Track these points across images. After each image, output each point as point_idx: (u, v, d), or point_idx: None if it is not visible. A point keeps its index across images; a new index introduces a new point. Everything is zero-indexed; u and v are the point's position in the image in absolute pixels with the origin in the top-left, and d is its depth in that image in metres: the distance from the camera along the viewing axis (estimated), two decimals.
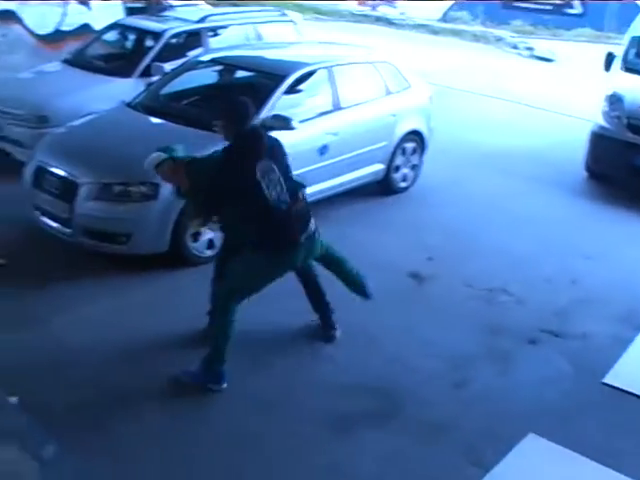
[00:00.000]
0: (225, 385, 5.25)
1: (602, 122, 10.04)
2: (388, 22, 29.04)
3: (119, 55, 10.94)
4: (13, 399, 4.84)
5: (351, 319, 6.18)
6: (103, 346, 5.70)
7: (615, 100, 9.96)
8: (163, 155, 5.18)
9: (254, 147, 5.05)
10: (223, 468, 4.59)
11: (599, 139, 10.04)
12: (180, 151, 5.26)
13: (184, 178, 5.17)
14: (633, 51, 10.69)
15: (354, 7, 33.09)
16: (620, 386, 5.62)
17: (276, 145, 5.26)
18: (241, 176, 4.94)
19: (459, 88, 16.12)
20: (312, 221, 5.31)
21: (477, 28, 28.47)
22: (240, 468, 4.60)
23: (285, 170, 5.18)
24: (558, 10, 32.44)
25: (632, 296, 7.06)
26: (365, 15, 30.75)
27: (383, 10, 33.21)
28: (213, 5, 15.63)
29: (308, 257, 5.45)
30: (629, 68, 10.48)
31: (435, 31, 27.56)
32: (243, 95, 7.64)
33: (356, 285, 5.93)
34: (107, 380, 5.27)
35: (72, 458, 4.41)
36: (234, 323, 5.18)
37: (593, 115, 10.42)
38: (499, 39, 25.67)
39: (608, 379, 5.70)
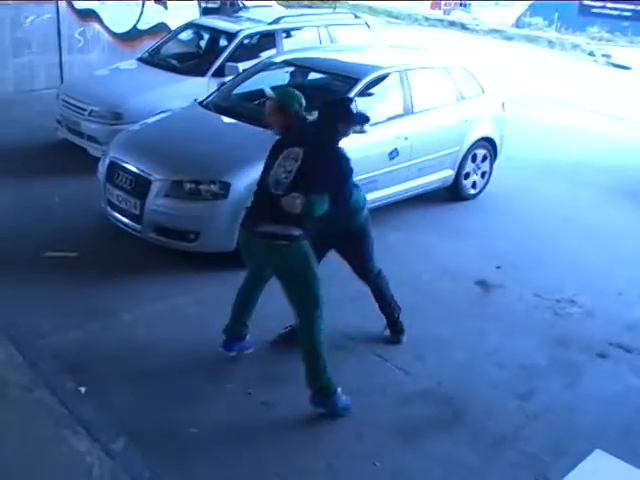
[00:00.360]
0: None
1: None
2: (461, 27, 28.84)
3: (193, 54, 11.09)
4: (82, 389, 4.92)
5: (419, 326, 6.15)
6: (171, 342, 5.75)
7: None
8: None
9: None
10: (289, 467, 4.59)
11: None
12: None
13: None
14: None
15: (427, 11, 32.95)
16: None
17: (323, 150, 4.89)
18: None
19: (533, 95, 15.91)
20: (293, 232, 4.79)
21: (552, 34, 28.08)
22: (304, 466, 4.60)
23: (315, 174, 4.76)
24: (637, 16, 31.72)
25: None
26: (439, 19, 30.56)
27: (456, 15, 33.01)
28: (285, 7, 15.74)
29: (266, 263, 5.13)
30: None
31: (509, 37, 27.26)
32: (316, 97, 7.76)
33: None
34: (174, 377, 5.32)
35: (140, 452, 4.47)
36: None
37: None
38: (575, 46, 25.27)
39: None
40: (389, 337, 6.01)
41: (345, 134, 5.01)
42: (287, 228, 4.76)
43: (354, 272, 5.87)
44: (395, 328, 6.02)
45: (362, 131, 7.35)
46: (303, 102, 5.10)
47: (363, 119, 5.21)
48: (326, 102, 5.19)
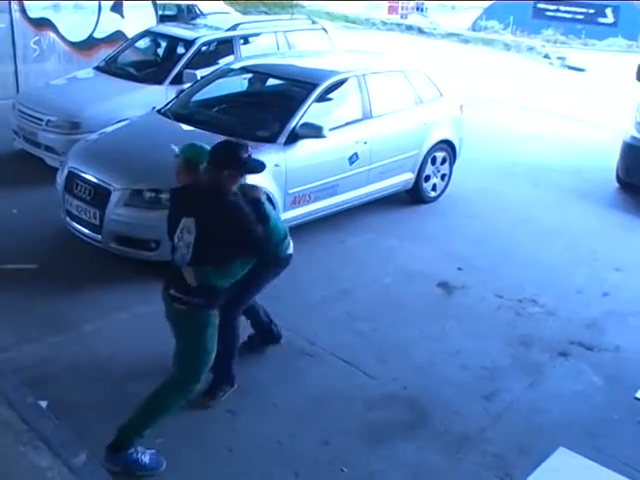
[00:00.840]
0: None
1: (634, 133, 9.96)
2: (419, 31, 29.13)
3: (151, 62, 11.04)
4: (43, 403, 4.86)
5: (382, 330, 6.17)
6: (135, 353, 5.70)
7: None
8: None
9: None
10: (255, 476, 4.57)
11: (631, 150, 9.97)
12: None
13: None
14: None
15: (385, 16, 33.18)
16: None
17: (215, 211, 4.39)
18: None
19: (490, 97, 16.08)
20: (192, 299, 4.47)
21: (508, 37, 28.44)
22: (270, 474, 4.58)
23: (216, 239, 4.38)
24: (590, 19, 32.29)
25: None
26: (396, 24, 30.78)
27: (414, 19, 33.28)
28: (243, 13, 15.75)
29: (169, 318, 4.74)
30: None
31: (466, 40, 27.58)
32: (274, 103, 7.76)
33: None
34: (138, 387, 5.25)
35: (102, 466, 4.41)
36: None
37: (625, 125, 10.33)
38: (530, 48, 25.65)
39: None
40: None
41: (234, 183, 4.48)
42: (189, 294, 4.44)
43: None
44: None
45: (321, 136, 7.43)
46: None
47: (257, 167, 4.63)
48: (215, 147, 4.55)
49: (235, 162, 4.45)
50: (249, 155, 4.53)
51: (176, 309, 4.53)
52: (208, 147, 4.65)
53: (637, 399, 5.56)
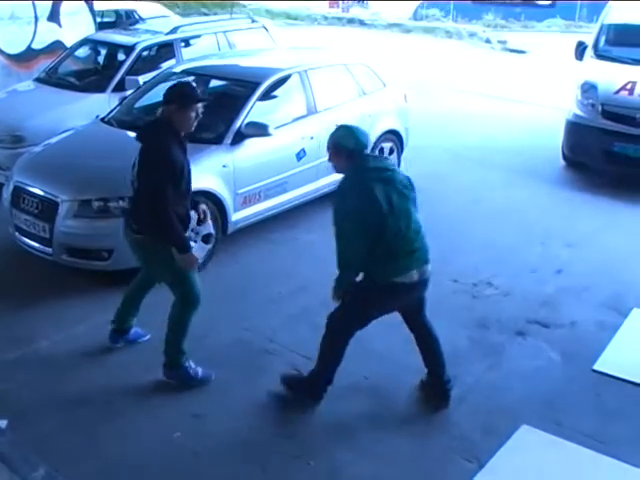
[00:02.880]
0: None
1: (577, 110, 10.12)
2: (360, 23, 29.20)
3: (92, 71, 10.91)
4: (2, 422, 4.79)
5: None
6: (94, 364, 5.65)
7: (588, 88, 10.04)
8: None
9: None
10: (222, 476, 4.57)
11: (574, 127, 10.13)
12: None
13: None
14: (603, 38, 10.76)
15: (325, 10, 33.19)
16: (610, 372, 5.65)
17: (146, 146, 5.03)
18: None
19: (434, 85, 16.18)
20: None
21: (449, 24, 28.67)
22: (237, 473, 4.58)
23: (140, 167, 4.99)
24: (528, 2, 32.63)
25: (616, 282, 7.10)
26: (337, 17, 30.83)
27: (355, 12, 33.32)
28: (183, 15, 15.65)
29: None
30: (600, 55, 10.57)
31: (408, 29, 27.73)
32: (218, 104, 7.73)
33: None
34: (99, 399, 5.23)
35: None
36: None
37: (568, 104, 10.48)
38: (472, 34, 25.88)
39: (598, 366, 5.72)
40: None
41: (183, 117, 4.97)
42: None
43: None
44: None
45: (267, 134, 7.42)
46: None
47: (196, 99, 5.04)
48: (169, 89, 5.16)
49: (178, 95, 5.00)
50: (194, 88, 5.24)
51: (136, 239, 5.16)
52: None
53: (594, 371, 5.67)
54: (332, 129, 5.11)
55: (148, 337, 5.87)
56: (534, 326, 6.32)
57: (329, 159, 5.07)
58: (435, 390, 5.31)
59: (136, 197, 5.08)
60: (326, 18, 30.62)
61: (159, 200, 4.83)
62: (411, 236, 5.00)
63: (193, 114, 4.98)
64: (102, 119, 8.18)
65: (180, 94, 5.01)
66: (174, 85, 5.30)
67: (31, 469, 4.00)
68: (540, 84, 16.66)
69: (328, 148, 5.03)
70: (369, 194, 4.70)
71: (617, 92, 9.75)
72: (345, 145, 4.88)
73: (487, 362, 5.79)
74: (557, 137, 10.65)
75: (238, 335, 6.00)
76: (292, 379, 5.34)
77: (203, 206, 5.60)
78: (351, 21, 29.76)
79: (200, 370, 5.39)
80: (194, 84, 5.20)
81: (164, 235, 4.96)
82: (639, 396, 5.40)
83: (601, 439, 4.87)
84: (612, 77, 9.99)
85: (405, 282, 5.01)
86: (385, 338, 6.04)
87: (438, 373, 5.29)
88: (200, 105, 5.04)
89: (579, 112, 10.05)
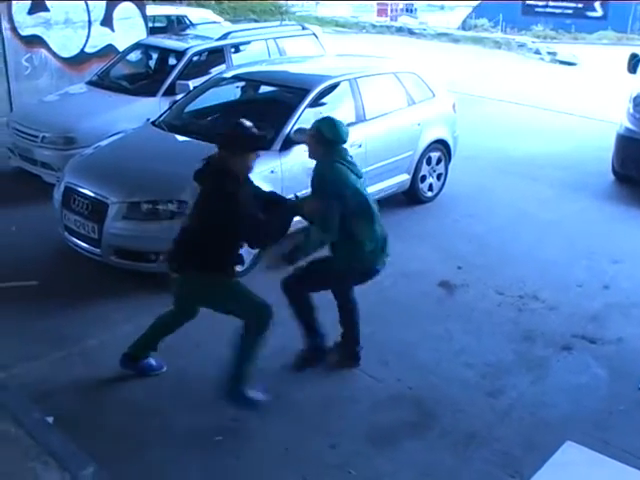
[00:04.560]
0: None
1: (628, 124, 9.99)
2: (409, 32, 29.14)
3: (143, 75, 11.06)
4: (49, 418, 4.86)
5: (383, 332, 6.18)
6: None
7: None
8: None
9: None
10: None
11: (625, 141, 9.99)
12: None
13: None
14: None
15: (374, 19, 33.24)
16: None
17: (216, 188, 4.89)
18: None
19: (483, 95, 16.10)
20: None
21: (498, 35, 28.50)
22: None
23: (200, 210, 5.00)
24: (579, 13, 32.39)
25: None
26: (386, 26, 30.83)
27: (403, 20, 33.33)
28: (233, 22, 15.76)
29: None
30: None
31: (456, 39, 27.60)
32: (268, 110, 7.76)
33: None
34: (144, 401, 5.28)
35: (110, 478, 4.42)
36: None
37: (619, 117, 10.36)
38: (521, 45, 25.68)
39: None
40: (338, 359, 5.81)
41: (247, 164, 5.00)
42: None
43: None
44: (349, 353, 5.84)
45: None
46: None
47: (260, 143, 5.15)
48: (223, 133, 5.13)
49: (242, 146, 4.90)
50: (250, 129, 4.96)
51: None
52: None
53: None
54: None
55: (164, 369, 5.60)
56: (580, 341, 6.24)
57: (307, 142, 5.43)
58: (347, 350, 5.75)
59: (192, 235, 5.00)
60: (374, 26, 30.64)
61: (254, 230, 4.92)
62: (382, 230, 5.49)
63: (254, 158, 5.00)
64: (152, 122, 8.27)
65: (242, 140, 4.92)
66: (237, 131, 5.00)
67: (81, 466, 4.06)
68: (590, 96, 16.48)
69: (310, 133, 5.39)
70: (347, 177, 5.30)
71: None
72: (325, 134, 5.25)
73: (532, 376, 5.73)
74: (607, 150, 10.52)
75: (282, 342, 5.90)
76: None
77: None
78: (400, 30, 29.73)
79: (258, 392, 5.19)
80: (249, 125, 4.95)
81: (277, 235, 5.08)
82: None
83: None
84: None
85: (378, 269, 5.52)
86: (431, 349, 6.03)
87: (353, 336, 5.73)
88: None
89: (630, 126, 9.92)
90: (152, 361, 5.55)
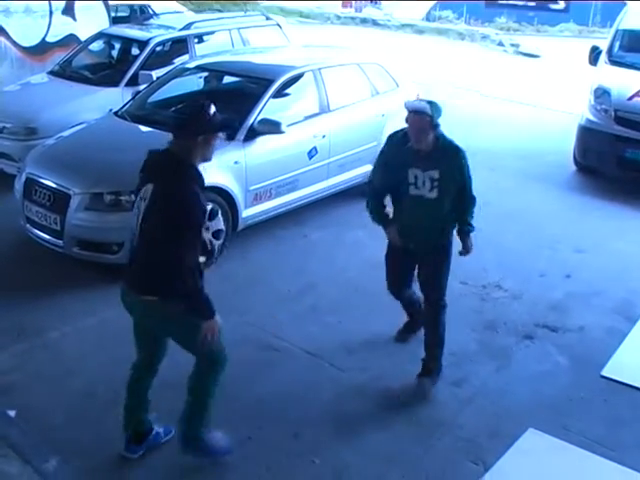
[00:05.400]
0: None
1: (589, 115, 10.09)
2: (373, 23, 29.16)
3: (105, 65, 10.93)
4: (12, 412, 4.82)
5: (349, 322, 6.19)
6: (103, 357, 5.65)
7: (601, 93, 10.01)
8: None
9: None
10: (226, 474, 4.58)
11: (587, 132, 10.09)
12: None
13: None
14: (618, 44, 10.74)
15: (339, 9, 33.18)
16: (618, 378, 5.63)
17: (170, 190, 3.98)
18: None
19: (445, 86, 16.15)
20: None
21: (462, 26, 28.63)
22: (241, 471, 4.58)
23: (157, 218, 3.99)
24: (542, 6, 32.61)
25: (625, 288, 7.09)
26: (350, 17, 30.81)
27: (368, 11, 33.30)
28: (197, 12, 15.66)
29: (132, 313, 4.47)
30: (614, 61, 10.54)
31: (420, 30, 27.69)
32: (231, 101, 7.74)
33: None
34: (107, 392, 5.23)
35: (73, 472, 4.39)
36: None
37: (580, 109, 10.46)
38: (484, 37, 25.83)
39: (606, 372, 5.71)
40: (419, 385, 5.49)
41: (209, 148, 4.16)
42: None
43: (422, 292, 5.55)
44: (429, 367, 5.53)
45: (280, 132, 7.43)
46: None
47: (225, 122, 4.34)
48: (180, 117, 4.35)
49: (207, 124, 4.06)
50: (215, 112, 4.12)
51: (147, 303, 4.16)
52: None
53: (602, 377, 5.65)
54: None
55: (173, 433, 4.76)
56: (542, 330, 6.31)
57: (416, 130, 5.10)
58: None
59: (147, 247, 4.08)
60: (339, 17, 30.60)
61: (188, 261, 3.97)
62: None
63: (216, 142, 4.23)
64: (115, 113, 8.20)
65: (206, 122, 4.08)
66: (194, 110, 4.21)
67: (43, 459, 4.03)
68: (552, 88, 16.61)
69: (423, 119, 5.06)
70: None
71: (630, 98, 9.72)
72: (435, 117, 5.11)
73: (495, 365, 5.79)
74: (569, 142, 10.63)
75: (244, 331, 5.98)
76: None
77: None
78: (364, 21, 29.73)
79: (221, 438, 4.66)
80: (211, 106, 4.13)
81: (187, 300, 4.06)
82: None
83: (608, 445, 4.86)
84: (626, 83, 9.96)
85: None
86: (395, 341, 6.06)
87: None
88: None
89: (592, 117, 10.02)
90: (159, 430, 4.76)
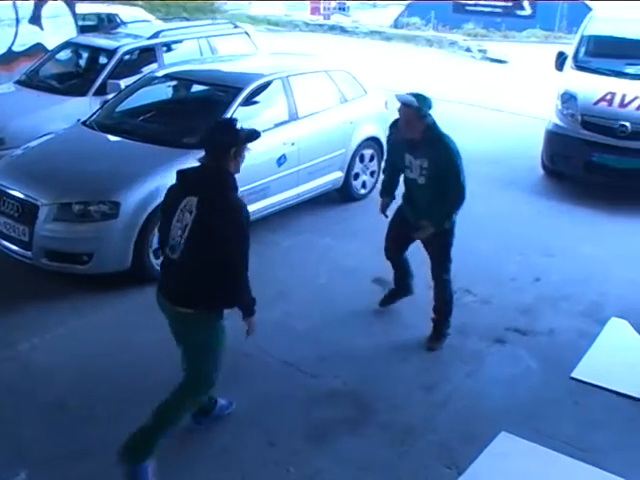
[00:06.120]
0: None
1: (556, 120, 10.18)
2: (342, 30, 29.23)
3: (73, 74, 10.86)
4: None
5: (320, 329, 6.20)
6: (73, 369, 5.61)
7: (568, 98, 10.12)
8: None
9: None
10: None
11: (554, 137, 10.19)
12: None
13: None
14: (583, 49, 10.86)
15: (307, 17, 33.24)
16: (588, 380, 5.69)
17: (223, 206, 4.21)
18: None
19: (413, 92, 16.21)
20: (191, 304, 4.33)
21: (430, 33, 28.77)
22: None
23: (208, 235, 4.19)
24: (509, 12, 32.91)
25: (594, 291, 7.16)
26: (318, 24, 30.88)
27: (336, 19, 33.40)
28: (165, 21, 15.61)
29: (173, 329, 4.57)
30: (580, 66, 10.64)
31: (388, 37, 27.80)
32: (200, 109, 7.73)
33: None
34: (78, 403, 5.20)
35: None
36: None
37: (547, 114, 10.56)
38: (452, 43, 25.98)
39: (576, 374, 5.77)
40: (428, 342, 6.12)
41: (241, 160, 4.38)
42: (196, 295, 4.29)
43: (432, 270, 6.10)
44: (439, 333, 6.16)
45: None
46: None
47: (254, 133, 4.46)
48: (211, 133, 4.46)
49: (236, 137, 4.32)
50: (241, 126, 4.41)
51: (180, 314, 4.38)
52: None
53: (572, 379, 5.71)
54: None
55: (234, 406, 5.16)
56: (513, 334, 6.35)
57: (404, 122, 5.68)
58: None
59: (193, 258, 4.24)
60: (307, 25, 30.64)
61: (244, 269, 4.29)
62: None
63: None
64: (83, 122, 8.15)
65: (236, 134, 4.33)
66: (223, 125, 4.60)
67: (13, 472, 3.99)
68: (519, 93, 16.74)
69: (409, 111, 5.67)
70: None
71: (596, 103, 9.83)
72: (424, 108, 5.73)
73: (466, 369, 5.82)
74: (537, 146, 10.71)
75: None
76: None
77: None
78: (332, 28, 29.78)
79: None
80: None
81: (240, 301, 4.42)
82: (616, 404, 5.45)
83: (579, 446, 4.91)
84: (592, 88, 10.07)
85: None
86: (367, 345, 6.07)
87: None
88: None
89: (559, 122, 10.12)
90: (222, 401, 5.10)
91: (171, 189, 4.48)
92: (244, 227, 4.20)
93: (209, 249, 4.18)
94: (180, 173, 4.44)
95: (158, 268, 6.74)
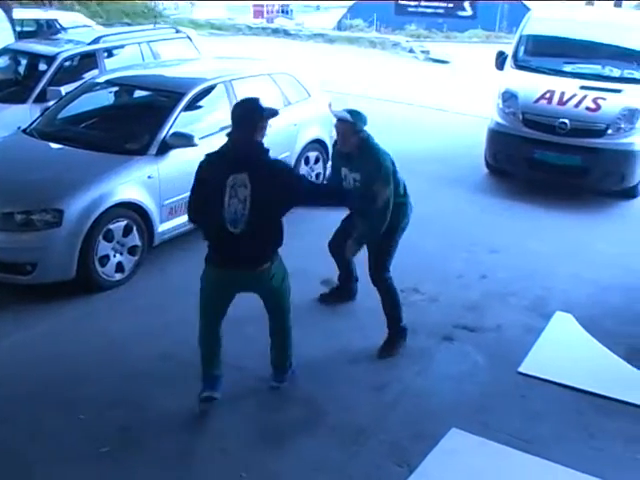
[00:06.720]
0: None
1: (498, 119, 10.32)
2: (285, 33, 29.27)
3: (12, 81, 10.71)
4: None
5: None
6: (11, 383, 5.48)
7: (509, 97, 10.27)
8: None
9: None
10: None
11: (496, 135, 10.33)
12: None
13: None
14: (522, 49, 11.02)
15: (250, 20, 33.23)
16: (535, 374, 5.78)
17: (271, 171, 4.92)
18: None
19: (357, 94, 16.28)
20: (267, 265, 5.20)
21: (373, 35, 28.95)
22: None
23: (270, 200, 4.87)
24: (450, 13, 33.34)
25: (539, 286, 7.28)
26: (262, 28, 30.87)
27: (279, 22, 33.45)
28: (106, 26, 15.49)
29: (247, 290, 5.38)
30: (520, 65, 10.80)
31: (332, 40, 27.89)
32: (142, 115, 7.66)
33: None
34: (21, 419, 5.10)
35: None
36: None
37: (489, 112, 10.69)
38: (395, 44, 26.19)
39: (523, 368, 5.85)
40: (383, 344, 6.11)
41: (264, 133, 4.99)
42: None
43: (369, 270, 6.15)
44: (394, 333, 6.16)
45: (192, 144, 7.37)
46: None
47: (273, 109, 5.21)
48: (240, 110, 5.00)
49: (261, 111, 4.95)
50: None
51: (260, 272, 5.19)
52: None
53: (519, 373, 5.79)
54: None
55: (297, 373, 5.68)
56: (461, 331, 6.42)
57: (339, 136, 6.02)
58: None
59: (260, 224, 4.96)
60: (250, 28, 30.61)
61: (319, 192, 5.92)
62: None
63: None
64: (23, 130, 8.02)
65: (260, 111, 4.95)
66: (250, 103, 5.06)
67: None
68: (462, 93, 16.95)
69: (343, 126, 5.87)
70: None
71: (537, 101, 10.00)
72: (359, 123, 5.89)
73: (416, 368, 5.86)
74: (480, 145, 10.84)
75: (163, 349, 5.93)
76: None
77: None
78: (276, 31, 29.80)
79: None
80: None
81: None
82: (562, 396, 5.55)
83: (526, 438, 4.99)
84: (532, 86, 10.23)
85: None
86: (317, 347, 6.09)
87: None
88: None
89: (501, 120, 10.26)
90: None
91: (205, 169, 5.01)
92: (294, 171, 5.71)
93: (274, 213, 5.06)
94: (214, 154, 5.03)
95: (104, 276, 6.78)
